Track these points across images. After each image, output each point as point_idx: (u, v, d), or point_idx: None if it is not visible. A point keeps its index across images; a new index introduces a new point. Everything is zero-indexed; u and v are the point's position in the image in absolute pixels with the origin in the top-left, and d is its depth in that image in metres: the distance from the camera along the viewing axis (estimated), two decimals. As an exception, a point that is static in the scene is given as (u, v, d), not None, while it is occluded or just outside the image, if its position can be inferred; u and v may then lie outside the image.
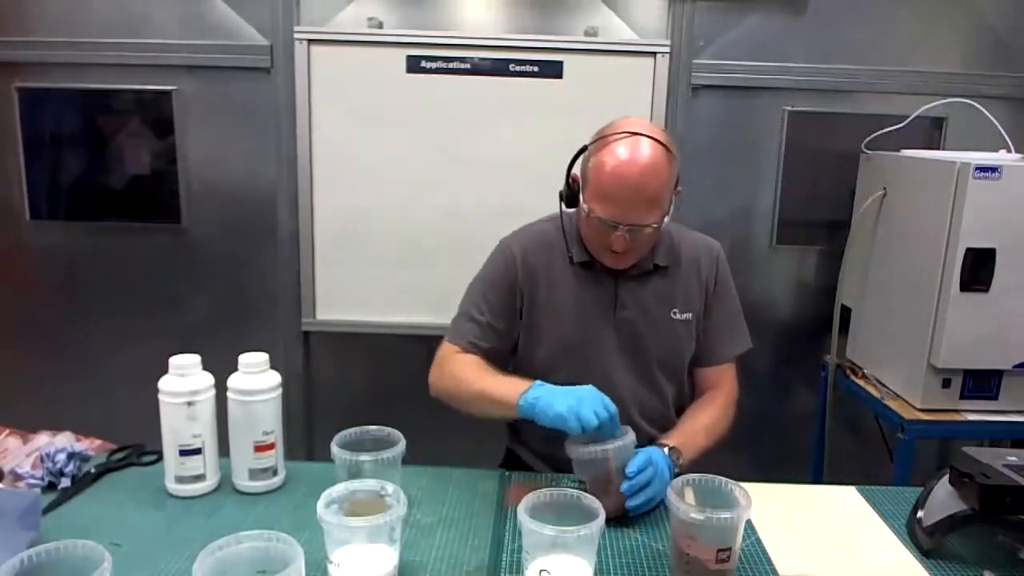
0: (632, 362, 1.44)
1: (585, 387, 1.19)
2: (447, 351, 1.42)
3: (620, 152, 1.26)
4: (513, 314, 1.43)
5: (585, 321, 1.41)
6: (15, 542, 0.98)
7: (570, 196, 1.37)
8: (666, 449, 1.27)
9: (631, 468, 1.16)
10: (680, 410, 1.49)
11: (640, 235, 1.29)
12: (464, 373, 1.36)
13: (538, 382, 1.23)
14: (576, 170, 1.37)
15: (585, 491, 1.17)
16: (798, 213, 2.45)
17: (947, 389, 1.93)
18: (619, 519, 1.17)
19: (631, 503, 1.15)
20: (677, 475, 1.14)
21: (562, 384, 1.21)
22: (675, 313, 1.43)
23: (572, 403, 1.15)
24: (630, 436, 1.18)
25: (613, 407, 1.17)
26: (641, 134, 1.27)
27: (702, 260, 1.46)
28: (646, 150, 1.26)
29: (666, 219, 1.32)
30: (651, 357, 1.44)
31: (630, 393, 1.43)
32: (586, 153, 1.34)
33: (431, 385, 1.41)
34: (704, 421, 1.41)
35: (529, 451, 1.55)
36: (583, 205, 1.31)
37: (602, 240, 1.31)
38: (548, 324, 1.43)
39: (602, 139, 1.30)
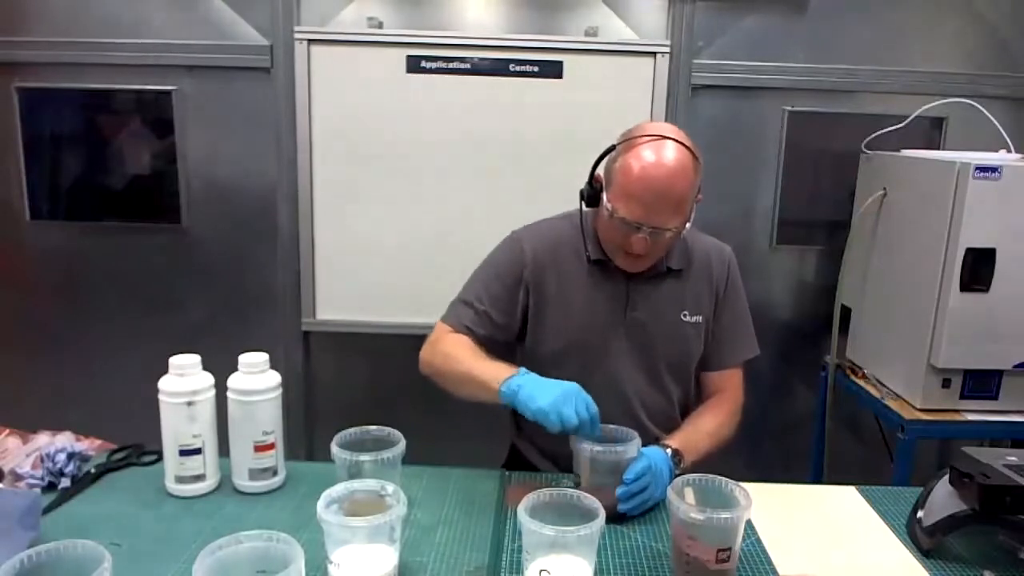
0: (640, 362, 1.44)
1: (569, 383, 1.18)
2: (441, 331, 1.42)
3: (648, 155, 1.26)
4: (514, 308, 1.43)
5: (595, 319, 1.42)
6: (15, 542, 0.98)
7: (592, 195, 1.36)
8: (669, 451, 1.27)
9: (628, 475, 1.16)
10: (686, 412, 1.49)
11: (660, 238, 1.29)
12: (454, 352, 1.36)
13: (523, 369, 1.23)
14: (600, 169, 1.37)
15: (578, 484, 1.18)
16: (798, 213, 2.45)
17: (947, 389, 1.93)
18: (618, 518, 1.17)
19: (622, 507, 1.16)
20: (677, 476, 1.14)
21: (569, 380, 1.21)
22: (685, 315, 1.43)
23: (556, 398, 1.15)
24: (636, 443, 1.19)
25: (595, 407, 1.17)
26: (670, 138, 1.28)
27: (713, 263, 1.46)
28: (674, 154, 1.26)
29: (687, 225, 1.32)
30: (659, 358, 1.44)
31: (637, 393, 1.43)
32: (613, 154, 1.33)
33: (421, 361, 1.41)
34: (709, 426, 1.41)
35: (532, 446, 1.55)
36: (606, 205, 1.31)
37: (621, 241, 1.31)
38: (557, 320, 1.43)
39: (630, 140, 1.30)
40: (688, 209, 1.30)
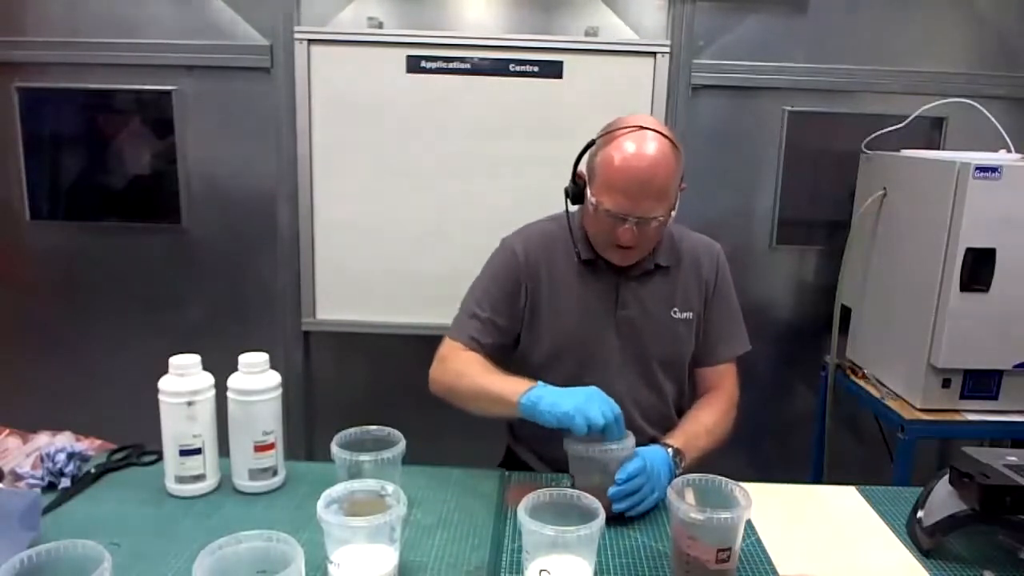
0: (632, 361, 1.44)
1: (590, 387, 1.19)
2: (449, 348, 1.42)
3: (628, 146, 1.27)
4: (515, 309, 1.43)
5: (586, 319, 1.42)
6: (15, 542, 0.98)
7: (576, 192, 1.38)
8: (670, 450, 1.27)
9: (621, 475, 1.15)
10: (680, 410, 1.49)
11: (647, 228, 1.30)
12: (465, 369, 1.36)
13: (540, 382, 1.24)
14: (582, 166, 1.37)
15: (573, 485, 1.18)
16: (798, 213, 2.45)
17: (947, 389, 1.93)
18: (619, 519, 1.17)
19: (615, 507, 1.15)
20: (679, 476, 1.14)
21: (561, 382, 1.22)
22: (675, 312, 1.44)
23: (580, 402, 1.15)
24: (630, 441, 1.18)
25: (618, 409, 1.17)
26: (648, 128, 1.29)
27: (703, 260, 1.47)
28: (653, 144, 1.27)
29: (672, 214, 1.33)
30: (651, 356, 1.44)
31: (630, 392, 1.43)
32: (593, 148, 1.35)
33: (431, 381, 1.41)
34: (706, 423, 1.41)
35: (528, 451, 1.55)
36: (590, 199, 1.32)
37: (609, 234, 1.32)
38: (549, 322, 1.43)
39: (609, 134, 1.31)
40: (672, 197, 1.31)
